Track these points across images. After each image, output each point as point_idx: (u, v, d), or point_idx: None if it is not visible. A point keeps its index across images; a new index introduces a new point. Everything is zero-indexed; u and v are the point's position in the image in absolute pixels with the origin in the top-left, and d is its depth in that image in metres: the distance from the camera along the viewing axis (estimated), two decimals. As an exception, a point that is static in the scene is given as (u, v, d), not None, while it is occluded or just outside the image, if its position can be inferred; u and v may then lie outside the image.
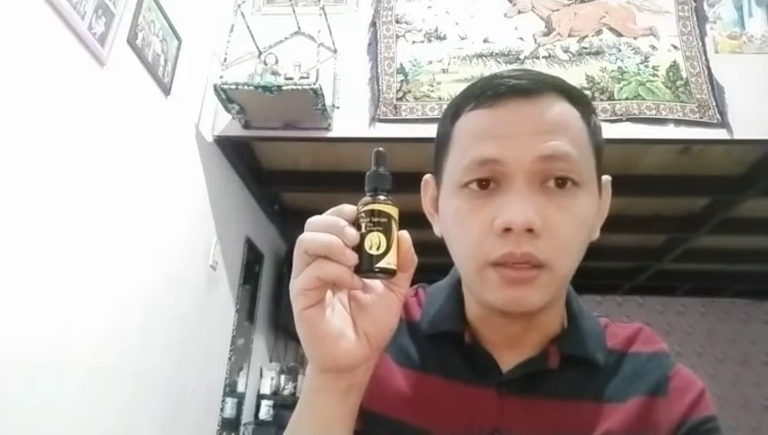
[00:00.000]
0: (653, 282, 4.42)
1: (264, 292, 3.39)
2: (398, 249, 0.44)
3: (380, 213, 0.43)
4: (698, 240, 3.46)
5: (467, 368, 0.54)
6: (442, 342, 0.56)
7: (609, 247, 3.90)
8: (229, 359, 2.80)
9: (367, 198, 0.44)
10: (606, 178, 0.55)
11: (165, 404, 2.11)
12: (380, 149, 0.46)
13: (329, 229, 0.42)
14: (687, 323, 4.93)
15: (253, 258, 3.14)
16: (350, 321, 0.45)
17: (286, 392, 3.37)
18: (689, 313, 4.97)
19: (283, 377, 3.45)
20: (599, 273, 4.42)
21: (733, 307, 4.92)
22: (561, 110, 0.49)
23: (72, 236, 1.54)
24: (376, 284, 0.46)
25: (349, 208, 0.44)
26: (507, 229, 0.46)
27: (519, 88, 0.49)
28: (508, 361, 0.53)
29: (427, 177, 0.59)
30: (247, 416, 3.12)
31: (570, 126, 0.49)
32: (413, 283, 0.54)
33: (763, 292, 4.62)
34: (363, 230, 0.43)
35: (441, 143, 0.55)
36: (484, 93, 0.50)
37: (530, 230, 0.46)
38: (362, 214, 0.43)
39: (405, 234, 0.45)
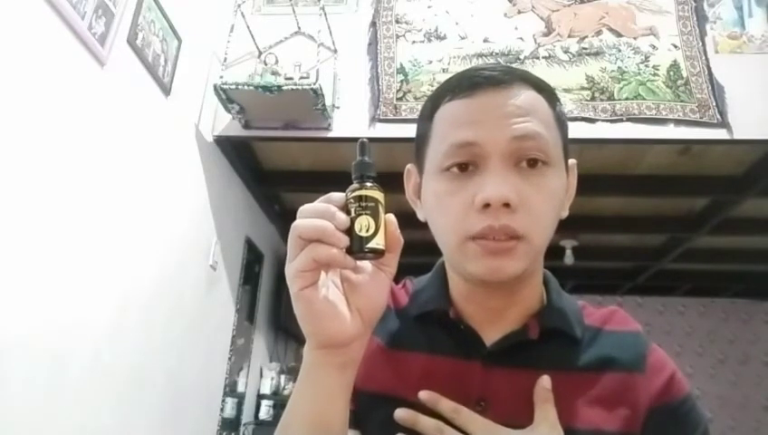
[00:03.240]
0: (653, 282, 4.42)
1: (264, 292, 3.39)
2: (385, 230, 0.46)
3: (368, 198, 0.46)
4: (698, 240, 3.46)
5: (453, 343, 0.58)
6: (428, 321, 0.60)
7: (609, 247, 3.91)
8: (229, 359, 2.80)
9: (355, 185, 0.47)
10: (572, 161, 0.59)
11: (165, 404, 2.11)
12: (364, 139, 0.50)
13: (320, 215, 0.45)
14: (687, 323, 4.93)
15: (253, 258, 3.14)
16: (343, 300, 0.48)
17: (286, 392, 3.37)
18: (689, 313, 4.96)
19: (283, 377, 3.45)
20: (599, 273, 4.43)
21: (733, 307, 4.92)
22: (530, 96, 0.54)
23: (72, 236, 1.54)
24: (366, 264, 0.49)
25: (337, 195, 0.46)
26: (486, 205, 0.50)
27: (492, 79, 0.54)
28: (491, 335, 0.57)
29: (410, 166, 0.63)
30: (247, 416, 3.12)
31: (538, 110, 0.54)
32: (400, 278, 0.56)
33: (763, 292, 4.62)
34: (353, 214, 0.45)
35: (422, 134, 0.59)
36: (461, 85, 0.55)
37: (507, 205, 0.50)
38: (351, 199, 0.46)
39: (391, 216, 0.47)
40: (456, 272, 0.59)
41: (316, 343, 0.49)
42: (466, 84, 0.54)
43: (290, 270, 0.45)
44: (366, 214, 0.45)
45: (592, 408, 0.53)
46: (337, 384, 0.50)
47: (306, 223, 0.44)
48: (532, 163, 0.52)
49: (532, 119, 0.52)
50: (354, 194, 0.46)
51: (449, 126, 0.55)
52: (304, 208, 0.45)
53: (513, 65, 2.36)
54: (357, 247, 0.45)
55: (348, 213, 0.45)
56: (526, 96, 0.54)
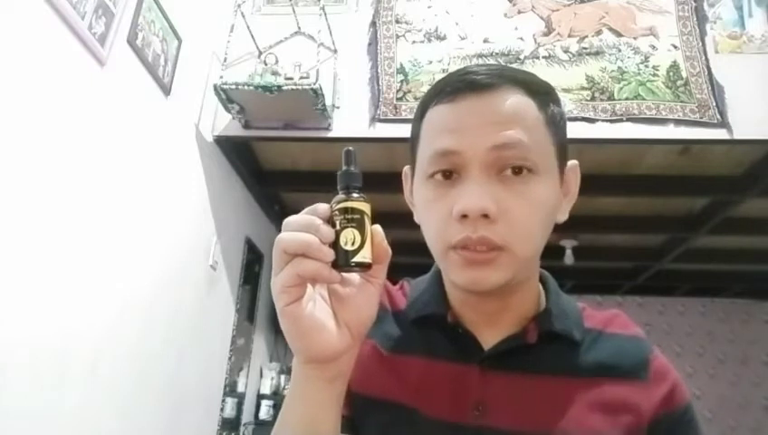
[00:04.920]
0: (653, 282, 4.42)
1: (264, 292, 3.39)
2: (372, 243, 0.46)
3: (353, 210, 0.45)
4: (698, 240, 3.46)
5: (451, 347, 0.57)
6: (426, 325, 0.59)
7: (609, 247, 3.91)
8: (229, 359, 2.80)
9: (340, 196, 0.46)
10: (572, 162, 0.58)
11: (165, 404, 2.11)
12: (350, 148, 0.48)
13: (305, 228, 0.44)
14: (687, 324, 4.93)
15: (253, 258, 3.14)
16: (330, 313, 0.47)
17: (286, 392, 3.36)
18: (689, 313, 4.96)
19: (283, 377, 3.45)
20: (599, 273, 4.43)
21: (733, 307, 4.91)
22: (516, 101, 0.52)
23: (72, 237, 1.54)
24: (353, 276, 0.48)
25: (323, 207, 0.45)
26: (464, 216, 0.49)
27: (475, 83, 0.52)
28: (489, 340, 0.56)
29: (406, 169, 0.63)
30: (247, 416, 3.12)
31: (524, 116, 0.52)
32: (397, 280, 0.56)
33: (763, 292, 4.62)
34: (338, 227, 0.45)
35: (414, 136, 0.59)
36: (444, 90, 0.54)
37: (486, 216, 0.49)
38: (336, 212, 0.45)
39: (378, 228, 0.47)
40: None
41: (304, 358, 0.48)
42: (449, 89, 0.53)
43: (275, 285, 0.45)
44: (351, 226, 0.44)
45: (593, 414, 0.52)
46: (326, 397, 0.50)
47: (290, 237, 0.43)
48: (517, 171, 0.51)
49: (514, 126, 0.50)
50: (339, 206, 0.45)
51: (433, 132, 0.54)
52: (289, 221, 0.45)
53: (513, 65, 2.37)
54: (342, 261, 0.44)
55: (333, 225, 0.45)
56: (512, 101, 0.52)
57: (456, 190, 0.51)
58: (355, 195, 0.46)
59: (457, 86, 0.53)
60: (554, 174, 0.54)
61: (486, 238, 0.49)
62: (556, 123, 0.55)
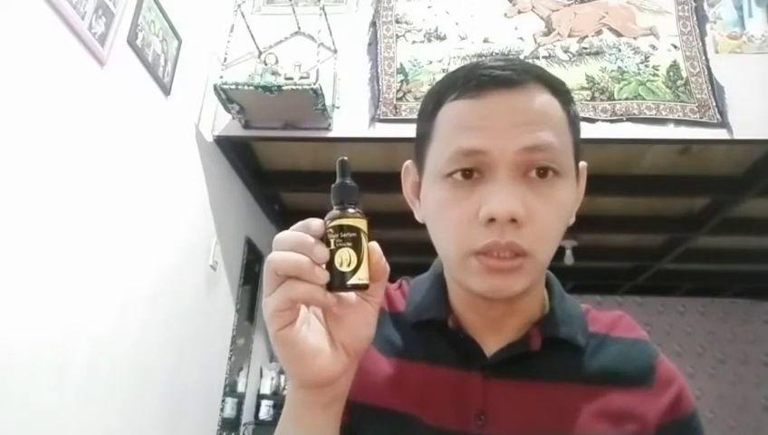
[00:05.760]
0: (653, 282, 4.42)
1: (264, 292, 3.39)
2: (369, 262, 0.43)
3: (349, 228, 0.42)
4: (698, 240, 3.46)
5: (452, 353, 0.55)
6: (426, 329, 0.57)
7: (609, 247, 3.91)
8: (229, 359, 2.80)
9: (334, 212, 0.43)
10: (582, 164, 0.55)
11: (165, 404, 2.11)
12: (344, 158, 0.46)
13: (297, 248, 0.41)
14: (687, 324, 4.93)
15: (253, 258, 3.14)
16: (326, 335, 0.45)
17: (286, 392, 3.36)
18: (689, 313, 4.97)
19: (282, 377, 3.45)
20: (599, 273, 4.43)
21: (733, 307, 4.92)
22: (544, 100, 0.50)
23: (72, 237, 1.54)
24: (350, 295, 0.45)
25: (316, 224, 0.42)
26: (492, 219, 0.47)
27: (502, 79, 0.49)
28: (491, 345, 0.54)
29: (408, 163, 0.59)
30: (247, 416, 3.12)
31: (551, 116, 0.49)
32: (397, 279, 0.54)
33: (763, 292, 4.62)
34: (332, 246, 0.42)
35: (423, 133, 0.55)
36: (468, 84, 0.50)
37: (513, 220, 0.46)
38: (330, 229, 0.42)
39: (375, 245, 0.44)
40: (456, 282, 0.56)
41: (299, 383, 0.46)
42: (474, 83, 0.49)
43: (266, 309, 0.42)
44: (347, 246, 0.42)
45: (598, 422, 0.51)
46: (323, 421, 0.48)
47: (282, 257, 0.41)
48: (542, 173, 0.48)
49: (544, 127, 0.48)
50: (334, 223, 0.42)
51: (454, 129, 0.50)
52: (280, 239, 0.42)
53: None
54: (338, 283, 0.42)
55: (327, 244, 0.42)
56: (539, 100, 0.49)
57: (479, 192, 0.48)
58: (351, 210, 0.43)
59: (482, 81, 0.49)
60: (573, 175, 0.52)
61: (515, 244, 0.47)
62: (575, 123, 0.53)
